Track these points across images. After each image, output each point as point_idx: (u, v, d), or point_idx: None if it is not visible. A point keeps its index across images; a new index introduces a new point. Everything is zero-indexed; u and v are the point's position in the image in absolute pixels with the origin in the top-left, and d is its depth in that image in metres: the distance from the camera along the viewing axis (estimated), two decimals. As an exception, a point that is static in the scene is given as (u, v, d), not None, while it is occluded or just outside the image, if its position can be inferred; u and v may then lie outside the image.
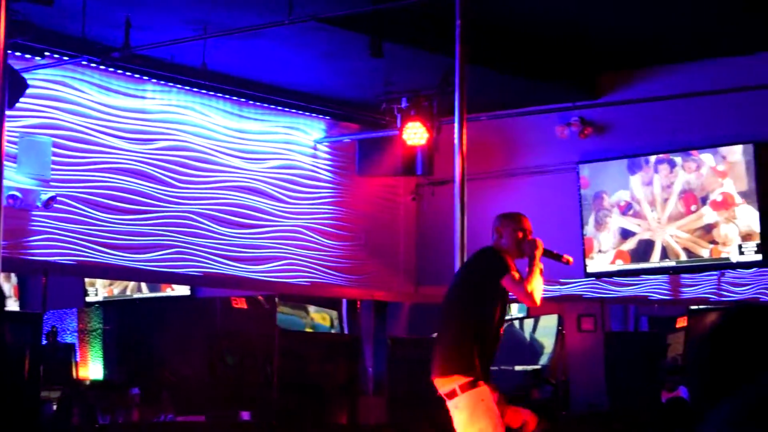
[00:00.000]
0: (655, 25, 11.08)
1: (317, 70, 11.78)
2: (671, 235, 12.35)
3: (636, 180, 12.54)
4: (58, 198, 10.60)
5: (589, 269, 12.77)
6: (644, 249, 12.55)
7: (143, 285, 14.45)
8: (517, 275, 6.94)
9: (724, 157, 12.06)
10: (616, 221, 12.72)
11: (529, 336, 18.34)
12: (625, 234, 12.68)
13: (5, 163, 6.13)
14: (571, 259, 7.17)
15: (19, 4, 7.73)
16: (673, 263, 12.37)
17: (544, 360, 17.63)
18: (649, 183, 12.45)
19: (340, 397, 13.48)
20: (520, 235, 7.09)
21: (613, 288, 13.27)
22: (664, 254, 12.38)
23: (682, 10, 10.64)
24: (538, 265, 6.99)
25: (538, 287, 6.97)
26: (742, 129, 12.01)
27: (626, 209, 12.66)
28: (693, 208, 12.23)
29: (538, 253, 7.05)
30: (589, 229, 12.84)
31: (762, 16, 10.66)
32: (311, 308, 15.43)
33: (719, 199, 12.11)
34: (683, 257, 12.30)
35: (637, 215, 12.58)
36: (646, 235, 12.54)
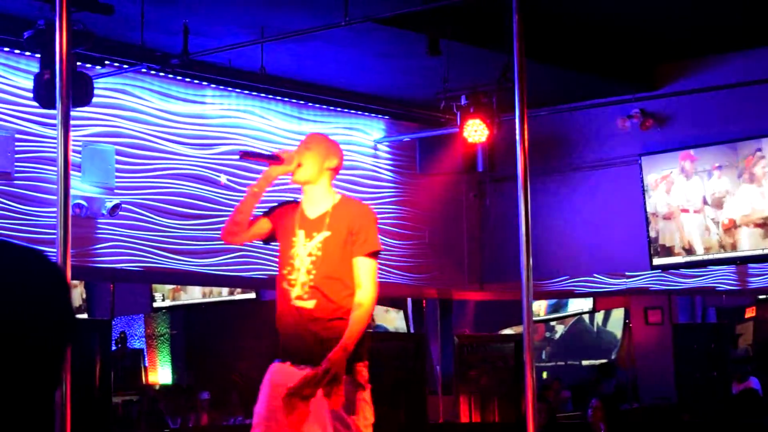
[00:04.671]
0: (710, 13, 10.98)
1: (375, 70, 11.80)
2: (737, 225, 12.22)
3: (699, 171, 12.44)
4: (122, 205, 10.69)
5: (655, 261, 12.67)
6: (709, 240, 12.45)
7: (209, 289, 14.54)
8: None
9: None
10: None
11: (597, 330, 18.27)
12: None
13: (71, 172, 6.18)
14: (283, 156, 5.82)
15: (80, 14, 7.80)
16: (739, 253, 12.24)
17: (611, 354, 17.55)
18: (712, 174, 12.34)
19: (407, 397, 13.48)
20: None
21: (680, 280, 13.18)
22: (731, 244, 12.26)
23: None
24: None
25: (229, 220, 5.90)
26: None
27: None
28: (758, 197, 12.10)
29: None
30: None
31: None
32: (376, 308, 15.44)
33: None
34: (750, 247, 12.17)
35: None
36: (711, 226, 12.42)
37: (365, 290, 5.62)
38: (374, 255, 5.74)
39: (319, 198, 5.78)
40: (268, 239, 5.96)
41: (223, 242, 6.17)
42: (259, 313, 13.95)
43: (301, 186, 5.83)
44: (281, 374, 5.64)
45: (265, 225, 5.87)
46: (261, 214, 5.88)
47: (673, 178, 12.49)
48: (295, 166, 5.74)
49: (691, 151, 12.40)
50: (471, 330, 15.58)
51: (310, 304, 5.59)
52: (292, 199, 6.01)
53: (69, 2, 6.15)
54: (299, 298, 5.62)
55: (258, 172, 6.14)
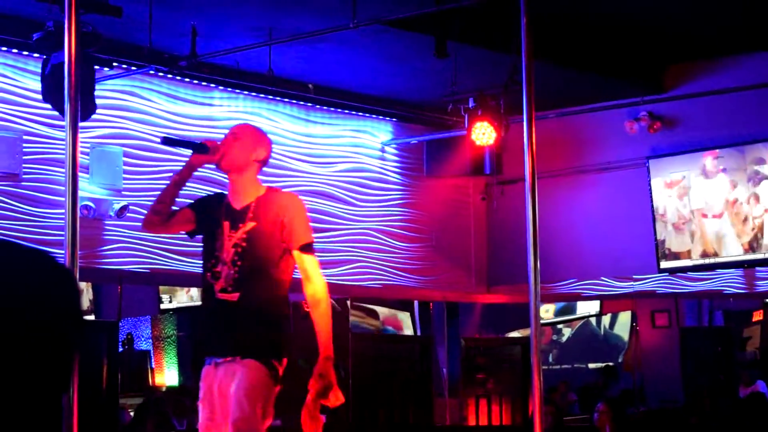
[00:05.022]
0: (718, 15, 10.96)
1: (383, 72, 11.80)
2: (744, 228, 12.21)
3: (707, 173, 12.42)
4: (130, 207, 10.70)
5: (663, 265, 12.66)
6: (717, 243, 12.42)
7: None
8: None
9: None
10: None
11: (603, 333, 18.26)
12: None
13: (78, 174, 6.19)
14: (208, 144, 5.75)
15: (88, 16, 7.81)
16: (747, 257, 12.22)
17: (618, 357, 17.54)
18: (720, 176, 12.32)
19: (414, 399, 13.48)
20: None
21: (687, 283, 13.17)
22: (738, 248, 12.24)
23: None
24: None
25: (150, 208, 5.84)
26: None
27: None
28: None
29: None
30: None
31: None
32: (383, 310, 15.45)
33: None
34: (757, 250, 12.15)
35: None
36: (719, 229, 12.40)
37: (316, 283, 5.57)
38: (309, 247, 5.64)
39: (245, 189, 5.67)
40: (193, 232, 5.82)
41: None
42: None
43: (228, 177, 5.73)
44: (211, 377, 5.52)
45: (188, 215, 5.75)
46: (185, 205, 5.79)
47: (689, 182, 12.43)
48: (220, 155, 5.66)
49: (717, 151, 12.34)
50: (478, 333, 15.58)
51: (235, 295, 5.47)
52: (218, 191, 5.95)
53: (78, 4, 6.16)
54: (224, 290, 5.50)
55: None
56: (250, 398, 5.34)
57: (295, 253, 5.57)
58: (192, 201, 5.83)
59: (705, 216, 12.35)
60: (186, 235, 5.94)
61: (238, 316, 5.47)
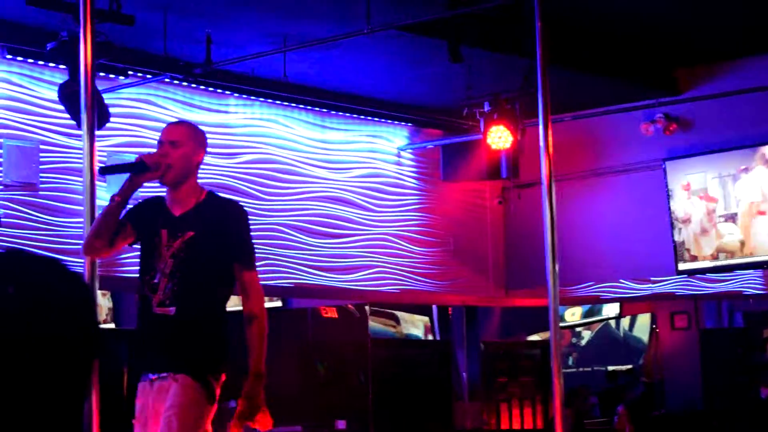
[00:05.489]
0: (733, 16, 10.94)
1: (398, 77, 11.80)
2: (762, 229, 12.16)
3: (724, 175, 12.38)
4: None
5: (681, 266, 12.61)
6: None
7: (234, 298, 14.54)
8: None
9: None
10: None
11: (623, 335, 18.21)
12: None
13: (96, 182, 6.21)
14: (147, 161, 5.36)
15: (102, 25, 7.83)
16: (766, 257, 12.16)
17: (638, 360, 17.49)
18: (738, 178, 12.28)
19: (435, 403, 13.47)
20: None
21: (706, 285, 13.12)
22: (757, 249, 12.19)
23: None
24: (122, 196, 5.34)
25: (92, 229, 5.42)
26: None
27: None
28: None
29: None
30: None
31: None
32: (402, 315, 15.44)
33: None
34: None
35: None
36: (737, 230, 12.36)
37: (254, 300, 5.27)
38: (251, 261, 5.31)
39: (184, 195, 5.30)
40: (134, 243, 5.43)
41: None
42: (285, 321, 13.95)
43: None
44: (146, 395, 5.23)
45: (127, 229, 5.33)
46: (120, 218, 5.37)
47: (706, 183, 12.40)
48: (164, 169, 5.28)
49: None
50: (497, 336, 15.57)
51: (172, 309, 5.15)
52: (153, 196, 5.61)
53: (92, 14, 6.18)
54: (161, 304, 5.17)
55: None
56: (180, 418, 5.05)
57: (236, 266, 5.25)
58: (127, 211, 5.41)
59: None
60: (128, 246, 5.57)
61: (174, 331, 5.16)
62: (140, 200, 5.57)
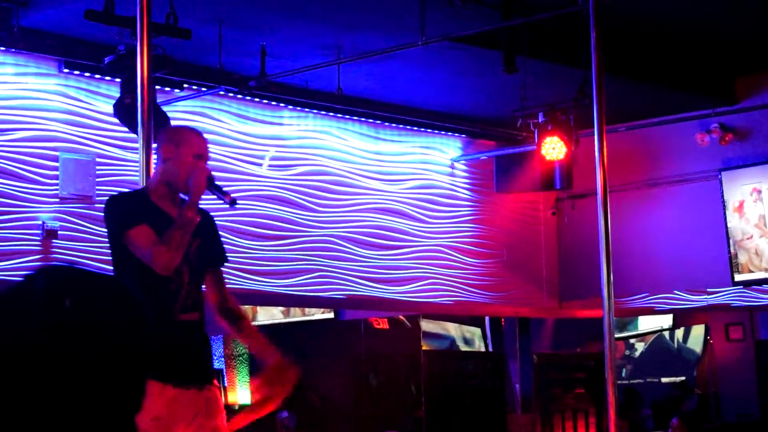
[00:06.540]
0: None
1: (451, 88, 11.81)
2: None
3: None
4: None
5: (737, 278, 12.51)
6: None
7: (287, 309, 14.60)
8: (146, 231, 5.00)
9: None
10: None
11: (677, 347, 18.09)
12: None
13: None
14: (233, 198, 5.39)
15: (159, 38, 7.90)
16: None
17: (692, 371, 17.37)
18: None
19: (487, 415, 13.44)
20: (190, 159, 5.28)
21: (762, 296, 13.01)
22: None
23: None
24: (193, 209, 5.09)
25: (175, 247, 4.95)
26: None
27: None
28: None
29: (200, 191, 5.15)
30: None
31: None
32: (455, 326, 15.43)
33: None
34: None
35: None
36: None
37: (232, 298, 5.27)
38: (223, 264, 5.30)
39: (178, 200, 5.22)
40: None
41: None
42: (338, 332, 14.00)
43: (168, 188, 5.23)
44: (181, 404, 4.97)
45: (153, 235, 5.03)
46: (138, 225, 5.02)
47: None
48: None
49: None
50: (550, 348, 15.51)
51: (196, 314, 5.09)
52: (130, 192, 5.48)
53: (149, 28, 6.23)
54: (185, 310, 5.04)
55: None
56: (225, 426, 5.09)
57: (219, 270, 5.25)
58: (134, 213, 5.12)
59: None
60: None
61: (202, 336, 5.16)
62: (125, 198, 5.47)
